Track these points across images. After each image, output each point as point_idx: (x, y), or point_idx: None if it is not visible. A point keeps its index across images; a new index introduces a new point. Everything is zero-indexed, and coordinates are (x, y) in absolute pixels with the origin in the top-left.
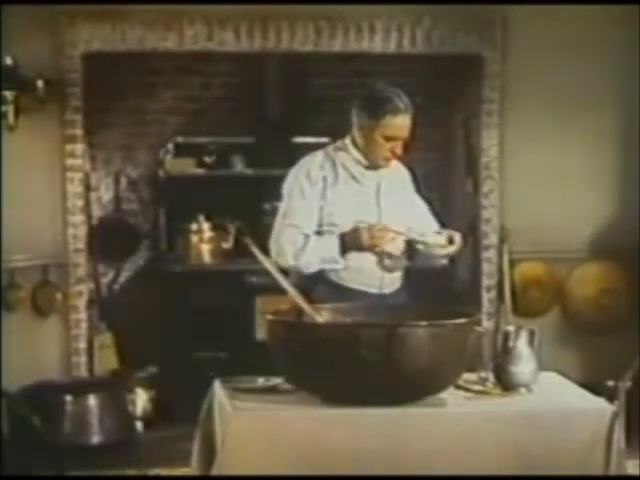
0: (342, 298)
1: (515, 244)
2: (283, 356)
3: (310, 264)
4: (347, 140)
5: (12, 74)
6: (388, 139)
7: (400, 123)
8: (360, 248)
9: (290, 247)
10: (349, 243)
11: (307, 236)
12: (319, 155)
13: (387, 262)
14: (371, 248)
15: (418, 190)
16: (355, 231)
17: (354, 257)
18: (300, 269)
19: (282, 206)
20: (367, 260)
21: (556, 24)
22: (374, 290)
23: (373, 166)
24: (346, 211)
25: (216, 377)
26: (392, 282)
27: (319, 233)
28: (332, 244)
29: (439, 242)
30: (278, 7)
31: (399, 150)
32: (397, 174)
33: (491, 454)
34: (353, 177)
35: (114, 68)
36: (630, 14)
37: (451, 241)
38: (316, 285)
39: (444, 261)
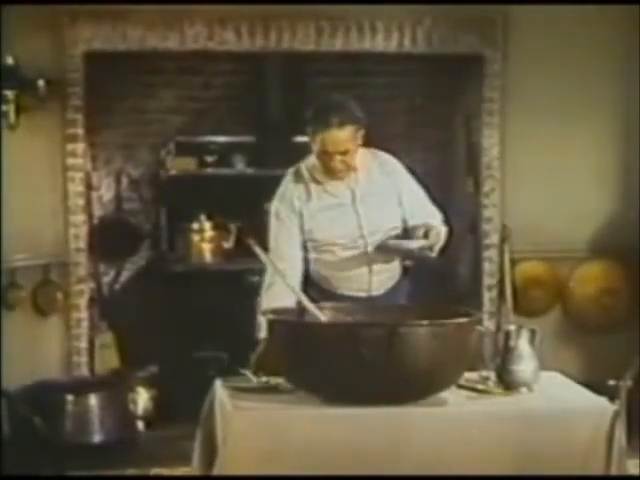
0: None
1: (516, 243)
2: (284, 356)
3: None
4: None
5: (13, 73)
6: (328, 153)
7: (334, 138)
8: None
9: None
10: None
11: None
12: (289, 174)
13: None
14: None
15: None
16: None
17: (342, 266)
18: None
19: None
20: (354, 266)
21: (556, 24)
22: (362, 294)
23: (335, 178)
24: (323, 225)
25: (217, 376)
26: (380, 285)
27: (305, 250)
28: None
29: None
30: (279, 7)
31: (340, 164)
32: (375, 173)
33: (492, 453)
34: (325, 190)
35: (115, 68)
36: (630, 14)
37: (426, 235)
38: (308, 290)
39: (430, 253)
